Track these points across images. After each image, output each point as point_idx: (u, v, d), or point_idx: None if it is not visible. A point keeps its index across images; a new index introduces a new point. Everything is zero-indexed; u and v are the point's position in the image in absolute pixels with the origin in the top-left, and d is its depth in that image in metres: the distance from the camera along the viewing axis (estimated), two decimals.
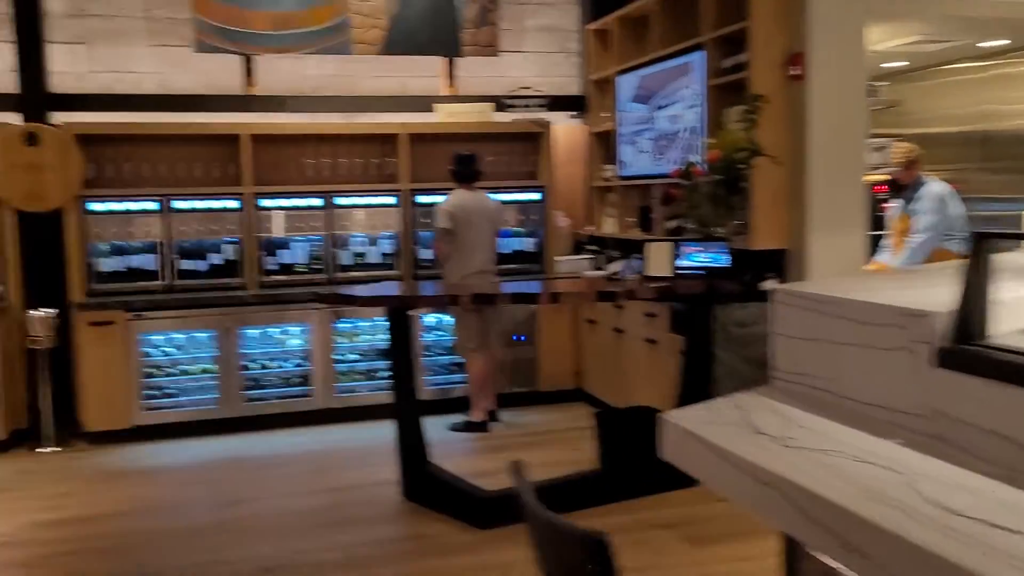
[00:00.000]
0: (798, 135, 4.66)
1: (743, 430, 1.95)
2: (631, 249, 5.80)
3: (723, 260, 4.75)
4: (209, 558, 3.97)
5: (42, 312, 5.62)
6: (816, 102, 4.60)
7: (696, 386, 4.49)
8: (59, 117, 6.01)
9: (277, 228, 6.23)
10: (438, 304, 5.45)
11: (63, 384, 5.79)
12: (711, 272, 4.74)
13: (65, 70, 6.18)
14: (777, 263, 4.79)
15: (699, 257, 4.82)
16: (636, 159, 6.10)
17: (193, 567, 3.87)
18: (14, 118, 5.87)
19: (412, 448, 4.53)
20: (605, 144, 6.68)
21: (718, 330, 4.68)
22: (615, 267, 5.31)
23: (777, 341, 2.26)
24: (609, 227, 6.64)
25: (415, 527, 4.32)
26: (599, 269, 6.23)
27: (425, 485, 4.52)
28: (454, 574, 3.78)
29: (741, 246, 4.81)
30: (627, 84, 6.15)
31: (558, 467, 4.77)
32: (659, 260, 4.88)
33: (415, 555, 4.01)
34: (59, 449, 5.67)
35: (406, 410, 4.54)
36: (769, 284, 4.47)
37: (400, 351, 4.56)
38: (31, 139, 5.69)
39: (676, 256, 4.84)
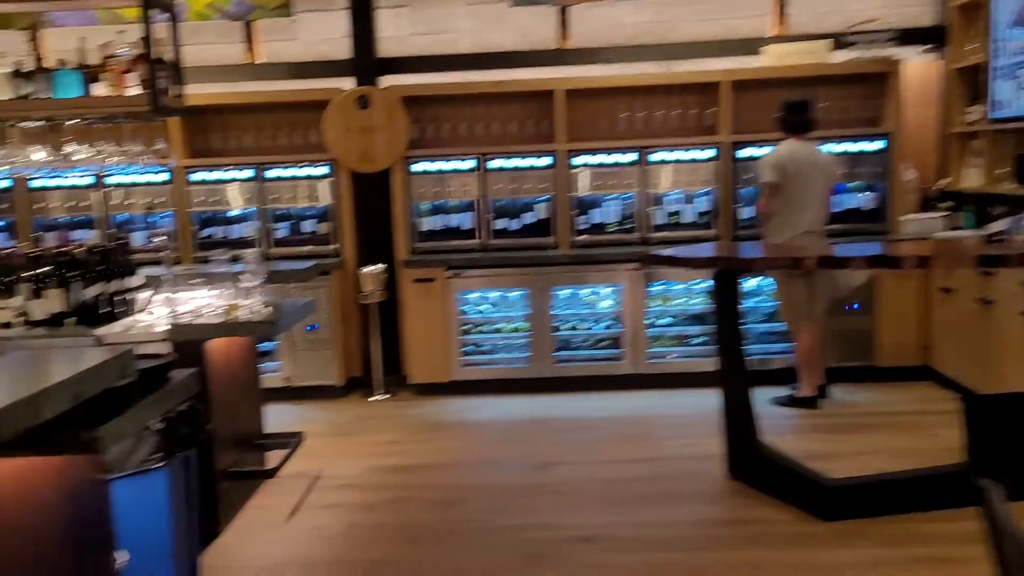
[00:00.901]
0: None
1: None
2: (1005, 205, 4.84)
3: None
4: (529, 520, 3.87)
5: (372, 269, 5.92)
6: None
7: None
8: (385, 80, 6.26)
9: (583, 186, 6.02)
10: (775, 266, 4.92)
11: (391, 337, 6.08)
12: None
13: (390, 34, 6.42)
14: None
15: None
16: (1017, 97, 5.07)
17: (514, 527, 3.80)
18: (348, 83, 6.19)
19: (739, 422, 4.11)
20: (970, 81, 5.67)
21: None
22: (998, 226, 4.44)
23: None
24: (972, 180, 5.64)
25: (742, 510, 3.91)
26: (956, 229, 5.31)
27: (753, 464, 4.09)
28: (790, 571, 3.34)
29: None
30: (1007, 6, 5.12)
31: (906, 456, 4.11)
32: None
33: (743, 543, 3.61)
34: (388, 397, 5.98)
35: (734, 381, 4.12)
36: None
37: (728, 317, 4.14)
38: (363, 102, 5.98)
39: None
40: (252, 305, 3.84)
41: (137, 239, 6.10)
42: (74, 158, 4.10)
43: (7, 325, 3.77)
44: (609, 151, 6.01)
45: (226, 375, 4.02)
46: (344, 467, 4.65)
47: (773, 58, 5.96)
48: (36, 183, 6.05)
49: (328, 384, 5.98)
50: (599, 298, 6.08)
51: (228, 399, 4.02)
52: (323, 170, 6.12)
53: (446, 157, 6.10)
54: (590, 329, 6.05)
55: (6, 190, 6.03)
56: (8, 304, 3.79)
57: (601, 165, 6.02)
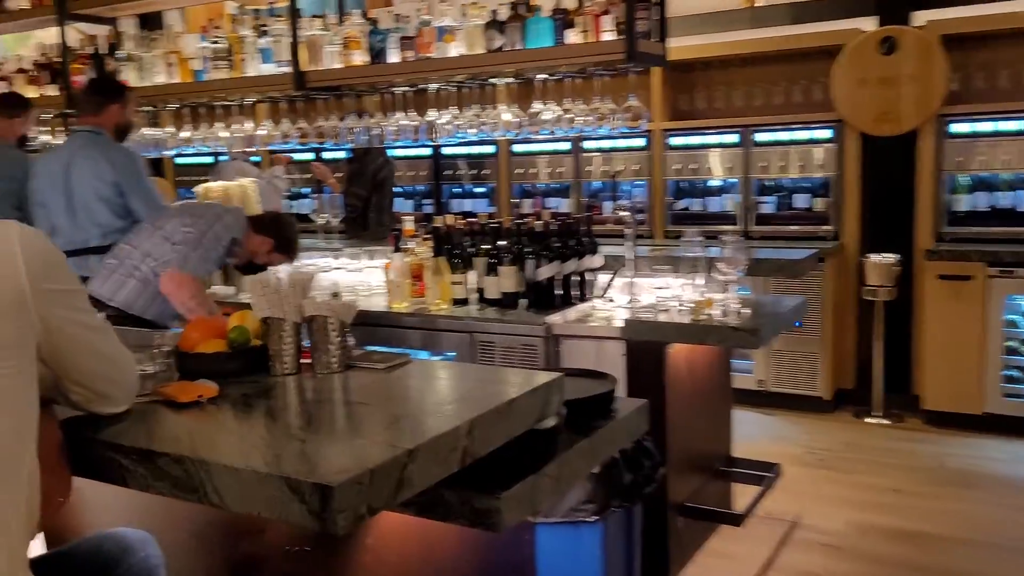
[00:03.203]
0: None
1: None
2: None
3: None
4: None
5: (882, 258, 4.66)
6: None
7: None
8: (919, 17, 4.85)
9: None
10: None
11: (898, 346, 4.78)
12: None
13: None
14: None
15: None
16: None
17: None
18: (868, 23, 4.93)
19: None
20: None
21: None
22: None
23: None
24: None
25: None
26: None
27: None
28: None
29: None
30: None
31: None
32: None
33: None
34: (887, 422, 4.71)
35: None
36: None
37: None
38: (888, 46, 4.68)
39: None
40: (728, 302, 2.98)
41: (608, 209, 5.65)
42: (542, 117, 3.65)
43: (464, 302, 3.44)
44: None
45: (688, 385, 3.22)
46: (825, 516, 3.60)
47: None
48: (518, 147, 5.91)
49: (811, 395, 4.91)
50: None
51: (689, 415, 3.22)
52: (825, 133, 4.99)
53: (1001, 116, 4.54)
54: None
55: (489, 156, 5.99)
56: (465, 279, 3.45)
57: None
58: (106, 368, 1.40)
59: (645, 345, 2.98)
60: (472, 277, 3.46)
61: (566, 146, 5.74)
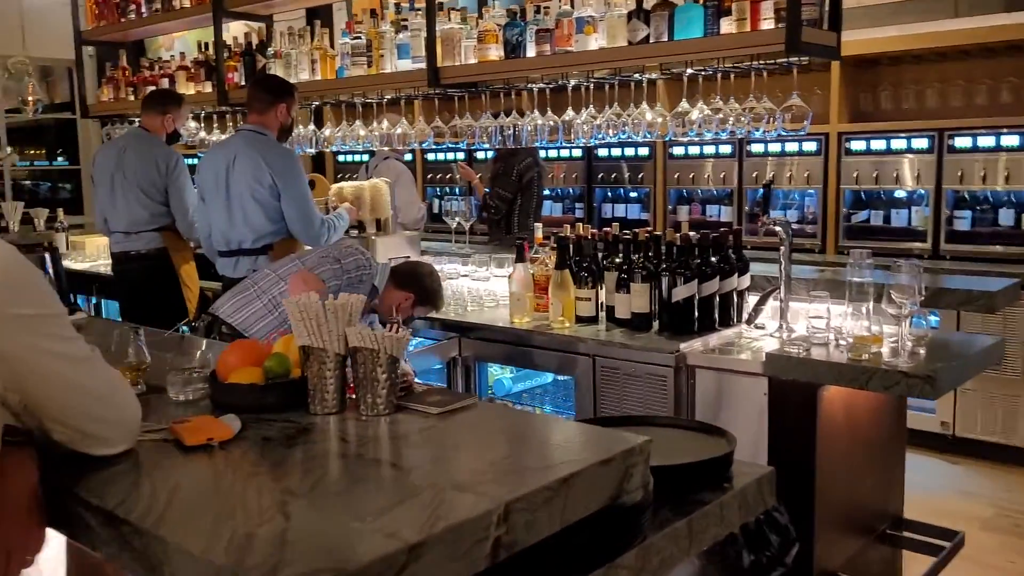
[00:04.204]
0: None
1: None
2: None
3: None
4: None
5: None
6: None
7: None
8: None
9: None
10: None
11: None
12: None
13: None
14: None
15: None
16: None
17: None
18: None
19: None
20: None
21: None
22: None
23: None
24: None
25: None
26: None
27: None
28: None
29: None
30: None
31: None
32: None
33: None
34: None
35: None
36: None
37: None
38: None
39: None
40: (900, 339, 2.48)
41: (760, 221, 5.12)
42: (691, 117, 3.25)
43: (592, 320, 3.12)
44: None
45: (846, 432, 2.73)
46: None
47: None
48: (677, 150, 5.49)
49: (1007, 444, 4.19)
50: None
51: (847, 468, 2.74)
52: None
53: None
54: None
55: (644, 158, 5.60)
56: (593, 295, 3.12)
57: None
58: (90, 404, 1.20)
59: (792, 385, 2.54)
60: (603, 294, 3.14)
61: (728, 149, 5.26)
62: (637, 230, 3.12)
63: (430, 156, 6.57)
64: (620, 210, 5.81)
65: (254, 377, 1.47)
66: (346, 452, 1.35)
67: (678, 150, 5.47)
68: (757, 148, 5.17)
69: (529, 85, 3.59)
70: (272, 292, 2.86)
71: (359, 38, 3.99)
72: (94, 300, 4.93)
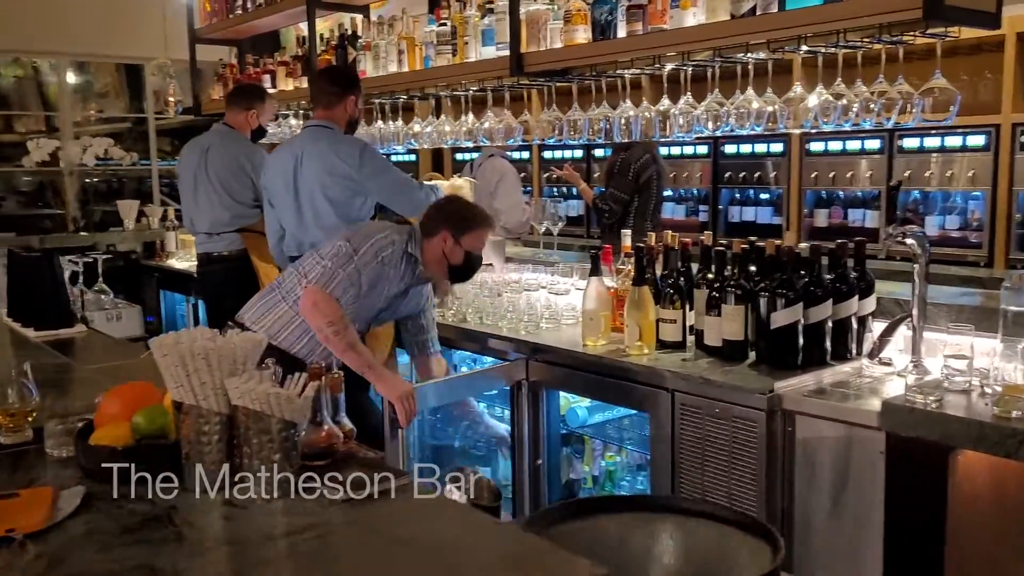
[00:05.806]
0: None
1: None
2: None
3: None
4: None
5: None
6: None
7: None
8: None
9: None
10: None
11: None
12: None
13: None
14: None
15: None
16: None
17: None
18: None
19: None
20: None
21: None
22: None
23: None
24: None
25: None
26: None
27: None
28: None
29: None
30: None
31: None
32: None
33: None
34: None
35: None
36: None
37: None
38: None
39: None
40: None
41: (932, 226, 4.41)
42: (807, 104, 2.69)
43: (679, 346, 2.64)
44: None
45: (991, 505, 2.12)
46: None
47: None
48: (815, 146, 4.84)
49: None
50: None
51: (989, 551, 2.13)
52: None
53: None
54: None
55: (778, 155, 4.98)
56: (679, 317, 2.64)
57: None
58: None
59: (917, 444, 1.98)
60: (692, 316, 2.65)
61: (877, 143, 4.57)
62: (735, 239, 2.62)
63: (546, 154, 6.18)
64: (749, 213, 5.21)
65: (122, 438, 1.14)
66: (185, 565, 0.98)
67: (816, 145, 4.82)
68: (910, 143, 4.45)
69: (618, 72, 3.14)
70: (297, 292, 2.56)
71: (444, 24, 3.68)
72: (192, 300, 4.88)
